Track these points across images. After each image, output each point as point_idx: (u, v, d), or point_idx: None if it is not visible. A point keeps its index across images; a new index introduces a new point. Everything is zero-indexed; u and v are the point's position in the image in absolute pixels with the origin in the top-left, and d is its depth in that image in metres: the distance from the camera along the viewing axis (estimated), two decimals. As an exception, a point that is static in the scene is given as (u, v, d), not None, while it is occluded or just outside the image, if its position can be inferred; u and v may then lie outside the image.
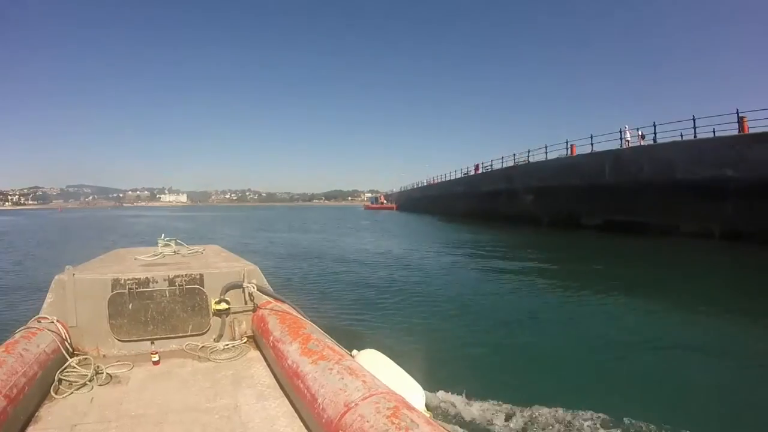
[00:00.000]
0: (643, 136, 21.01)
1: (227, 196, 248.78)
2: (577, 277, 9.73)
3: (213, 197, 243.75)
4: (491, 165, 30.63)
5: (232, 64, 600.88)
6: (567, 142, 23.57)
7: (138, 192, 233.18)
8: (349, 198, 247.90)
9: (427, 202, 49.13)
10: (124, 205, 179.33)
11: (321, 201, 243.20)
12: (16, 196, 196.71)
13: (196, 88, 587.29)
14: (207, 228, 28.61)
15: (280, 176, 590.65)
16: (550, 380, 3.92)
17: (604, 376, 4.12)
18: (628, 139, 21.32)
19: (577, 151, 23.15)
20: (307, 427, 1.87)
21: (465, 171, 37.22)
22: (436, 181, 50.63)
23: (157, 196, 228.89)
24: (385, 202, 75.51)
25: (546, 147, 24.67)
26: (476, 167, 33.85)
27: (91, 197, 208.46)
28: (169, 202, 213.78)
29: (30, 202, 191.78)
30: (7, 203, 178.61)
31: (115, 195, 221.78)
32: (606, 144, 21.50)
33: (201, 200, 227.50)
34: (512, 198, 26.23)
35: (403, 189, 74.93)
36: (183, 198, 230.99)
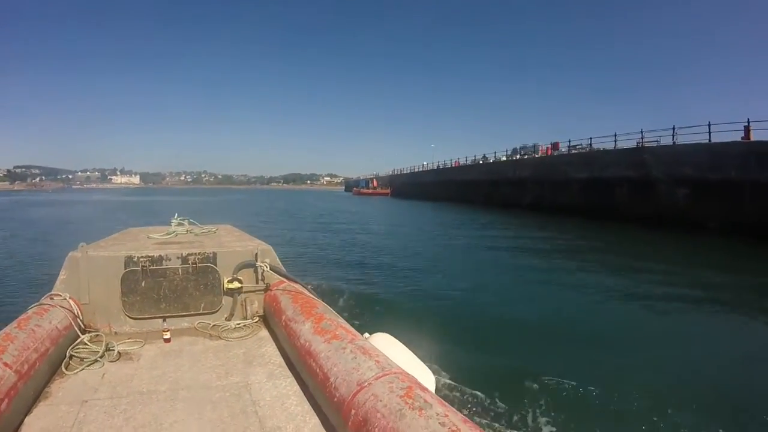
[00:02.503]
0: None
1: (182, 178, 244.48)
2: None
3: (167, 179, 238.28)
4: (590, 143, 23.85)
5: (184, 41, 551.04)
6: (748, 121, 17.34)
7: (88, 173, 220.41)
8: (308, 182, 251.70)
9: (448, 189, 42.01)
10: (74, 187, 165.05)
11: (279, 184, 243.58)
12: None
13: (150, 65, 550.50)
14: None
15: (237, 158, 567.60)
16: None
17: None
18: None
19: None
20: (318, 405, 1.87)
21: (519, 150, 30.44)
22: (458, 164, 43.60)
23: (109, 177, 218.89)
24: (377, 186, 67.52)
25: (709, 125, 18.28)
26: (553, 146, 27.06)
27: (39, 179, 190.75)
28: (121, 183, 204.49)
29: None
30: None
31: (64, 176, 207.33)
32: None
33: (154, 182, 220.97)
34: (644, 191, 19.80)
35: (397, 172, 67.65)
36: (135, 179, 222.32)
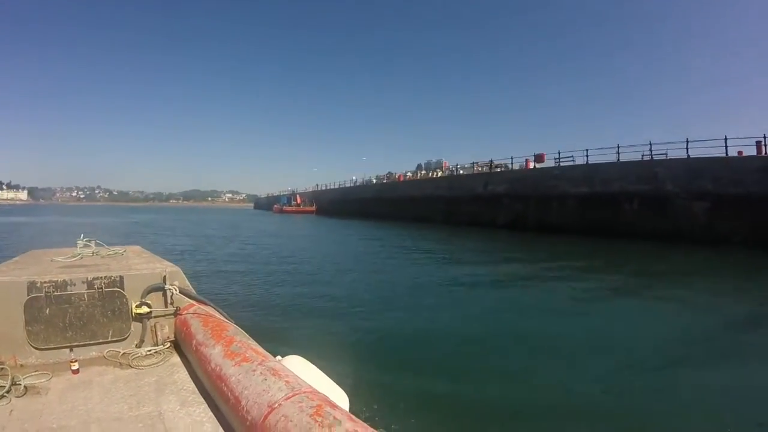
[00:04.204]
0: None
1: (74, 194, 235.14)
2: None
3: (58, 194, 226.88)
4: (586, 155, 22.62)
5: (73, 43, 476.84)
6: (765, 137, 17.43)
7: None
8: (209, 199, 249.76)
9: (393, 206, 38.64)
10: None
11: (179, 201, 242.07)
12: None
13: (36, 68, 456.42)
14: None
15: (132, 173, 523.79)
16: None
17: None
18: None
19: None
20: (232, 430, 1.86)
21: (423, 166, 28.63)
22: (402, 178, 40.70)
23: None
24: (301, 203, 61.38)
25: (726, 139, 18.07)
26: (537, 158, 25.55)
27: None
28: (7, 199, 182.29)
29: None
30: None
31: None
32: None
33: (44, 198, 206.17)
34: (658, 206, 18.74)
35: (320, 188, 62.46)
36: (23, 195, 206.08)
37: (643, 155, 20.42)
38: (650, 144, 20.13)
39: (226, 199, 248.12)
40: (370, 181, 50.79)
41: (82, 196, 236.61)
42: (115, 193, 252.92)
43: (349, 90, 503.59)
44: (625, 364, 4.93)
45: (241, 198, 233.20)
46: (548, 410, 3.83)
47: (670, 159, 19.38)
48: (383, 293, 9.02)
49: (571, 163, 23.36)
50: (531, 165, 26.22)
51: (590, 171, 21.85)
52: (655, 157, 20.03)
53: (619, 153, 21.12)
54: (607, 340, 5.90)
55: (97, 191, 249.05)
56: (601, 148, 22.00)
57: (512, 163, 27.55)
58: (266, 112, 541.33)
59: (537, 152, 25.46)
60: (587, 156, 22.36)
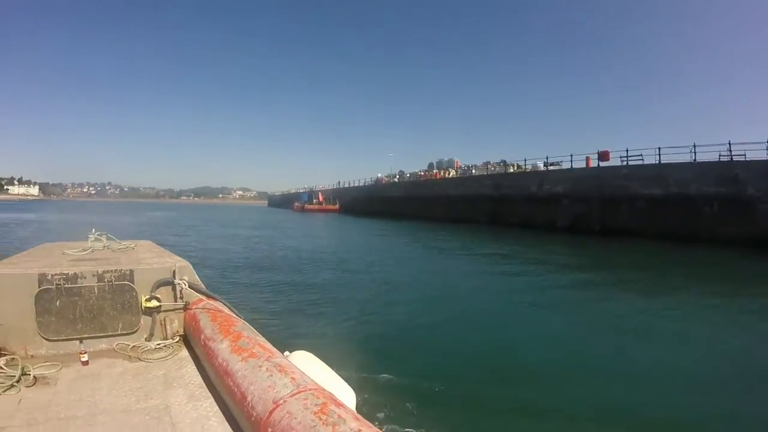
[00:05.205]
0: None
1: (85, 190, 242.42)
2: None
3: (69, 190, 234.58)
4: (658, 153, 22.42)
5: (83, 46, 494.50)
6: None
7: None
8: (220, 195, 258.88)
9: (426, 205, 38.45)
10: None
11: (190, 198, 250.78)
12: None
13: (46, 66, 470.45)
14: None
15: (142, 169, 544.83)
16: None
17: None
18: None
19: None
20: (237, 425, 1.90)
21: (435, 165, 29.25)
22: (438, 176, 40.63)
23: (5, 187, 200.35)
24: (323, 201, 61.01)
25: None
26: (601, 155, 25.28)
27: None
28: (18, 195, 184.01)
29: None
30: None
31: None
32: None
33: (56, 193, 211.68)
34: (739, 210, 18.73)
35: (342, 185, 62.24)
36: (34, 191, 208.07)
37: (720, 155, 20.48)
38: (729, 144, 20.19)
39: (237, 196, 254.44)
40: (380, 180, 51.53)
41: (93, 191, 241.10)
42: (125, 189, 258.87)
43: (360, 86, 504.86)
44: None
45: (252, 195, 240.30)
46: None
47: (751, 161, 19.44)
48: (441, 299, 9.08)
49: (640, 162, 23.33)
50: (592, 163, 26.19)
51: (663, 171, 21.88)
52: (737, 158, 20.02)
53: (695, 152, 21.13)
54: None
55: (107, 187, 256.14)
56: (674, 147, 21.96)
57: (572, 161, 27.31)
58: (274, 108, 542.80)
59: (601, 149, 25.25)
60: (659, 155, 22.33)
